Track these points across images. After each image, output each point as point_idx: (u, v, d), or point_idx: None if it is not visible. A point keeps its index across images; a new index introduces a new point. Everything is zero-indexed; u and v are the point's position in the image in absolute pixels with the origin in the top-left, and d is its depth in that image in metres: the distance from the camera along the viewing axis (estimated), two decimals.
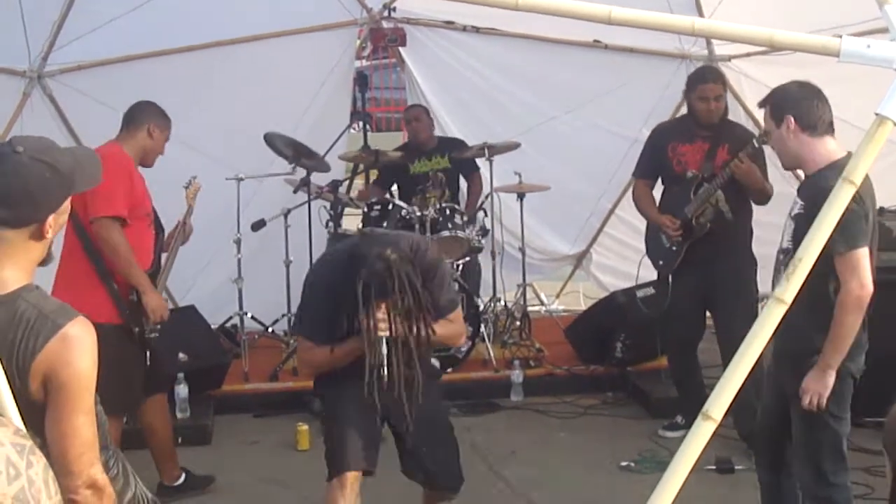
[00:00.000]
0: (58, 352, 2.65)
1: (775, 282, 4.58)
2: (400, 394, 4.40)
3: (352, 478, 4.55)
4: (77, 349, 2.68)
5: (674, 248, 6.62)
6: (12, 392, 2.58)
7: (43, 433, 2.65)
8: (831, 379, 4.30)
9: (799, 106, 4.44)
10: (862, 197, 4.14)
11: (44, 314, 2.70)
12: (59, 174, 2.73)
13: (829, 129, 4.44)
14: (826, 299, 4.28)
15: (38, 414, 2.67)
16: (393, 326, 4.32)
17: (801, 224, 4.39)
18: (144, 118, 5.78)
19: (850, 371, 4.45)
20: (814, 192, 4.26)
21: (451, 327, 4.65)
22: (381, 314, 4.30)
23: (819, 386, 4.32)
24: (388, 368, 4.35)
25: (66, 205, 2.81)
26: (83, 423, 2.69)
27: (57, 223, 2.78)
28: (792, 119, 4.43)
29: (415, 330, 4.35)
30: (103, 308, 5.31)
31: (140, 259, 5.49)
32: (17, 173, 2.69)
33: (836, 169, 4.22)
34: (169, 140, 5.97)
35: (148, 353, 5.59)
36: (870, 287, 4.24)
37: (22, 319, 2.69)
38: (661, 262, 6.82)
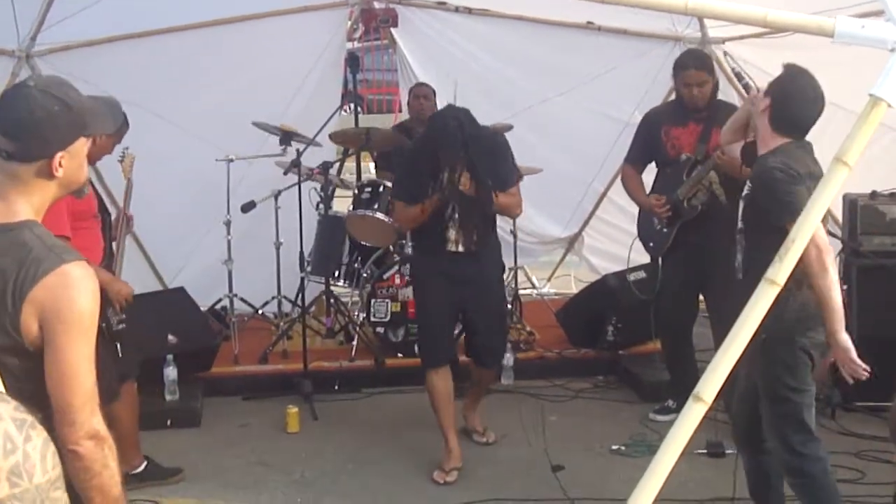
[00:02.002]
0: (58, 286, 2.59)
1: (735, 260, 4.83)
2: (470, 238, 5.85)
3: (444, 369, 5.99)
4: (79, 287, 2.61)
5: (664, 230, 6.60)
6: (4, 338, 2.54)
7: (35, 397, 2.59)
8: (846, 342, 4.38)
9: (782, 98, 4.62)
10: (798, 170, 4.42)
11: (48, 246, 2.65)
12: (69, 110, 2.68)
13: (798, 131, 4.64)
14: None
15: (31, 367, 2.61)
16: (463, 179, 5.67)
17: (747, 204, 4.72)
18: None
19: (802, 345, 4.51)
20: (755, 174, 4.65)
21: (510, 198, 5.99)
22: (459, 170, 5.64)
23: (841, 356, 4.40)
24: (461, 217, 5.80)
25: (80, 147, 2.74)
26: (86, 370, 2.62)
27: (71, 165, 2.71)
28: (769, 101, 4.61)
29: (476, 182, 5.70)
30: None
31: (93, 255, 5.31)
32: (25, 106, 2.66)
33: (782, 155, 4.52)
34: (120, 142, 5.72)
35: (118, 345, 5.49)
36: (827, 245, 4.40)
37: (25, 247, 2.63)
38: (651, 245, 6.80)
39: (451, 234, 5.88)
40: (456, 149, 5.61)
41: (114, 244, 5.72)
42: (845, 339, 4.37)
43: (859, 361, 4.38)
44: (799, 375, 4.54)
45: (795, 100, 4.60)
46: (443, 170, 5.68)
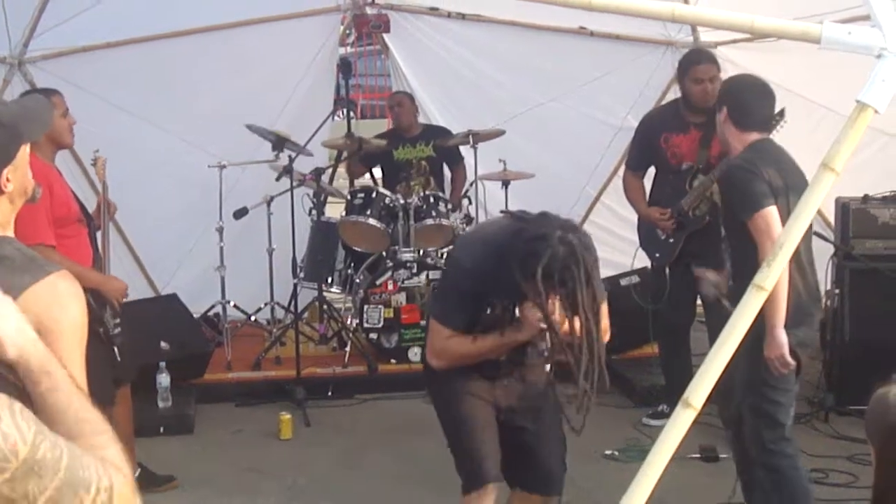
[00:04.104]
0: (47, 296, 2.56)
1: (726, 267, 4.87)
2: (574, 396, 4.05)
3: (492, 489, 4.24)
4: (68, 297, 2.58)
5: (670, 240, 6.58)
6: None
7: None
8: (783, 337, 4.46)
9: (735, 100, 4.72)
10: (756, 164, 4.50)
11: (30, 258, 2.63)
12: (2, 127, 2.67)
13: (761, 126, 4.70)
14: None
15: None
16: (561, 319, 3.84)
17: (723, 207, 4.86)
18: None
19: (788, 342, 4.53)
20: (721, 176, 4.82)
21: (604, 321, 4.06)
22: (550, 305, 3.83)
23: (774, 350, 4.47)
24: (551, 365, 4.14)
25: (23, 157, 2.73)
26: (80, 379, 2.62)
27: (17, 176, 2.70)
28: (725, 110, 4.71)
29: (589, 325, 3.81)
30: None
31: (82, 262, 5.25)
32: None
33: (745, 152, 4.63)
34: (68, 113, 5.36)
35: (115, 350, 5.45)
36: None
37: (7, 259, 2.61)
38: (657, 255, 6.76)
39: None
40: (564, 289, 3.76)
41: (98, 236, 5.65)
42: (781, 335, 4.44)
43: (790, 360, 4.46)
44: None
45: (746, 94, 4.74)
46: (534, 302, 3.90)
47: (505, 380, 4.30)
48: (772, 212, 4.44)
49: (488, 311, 4.11)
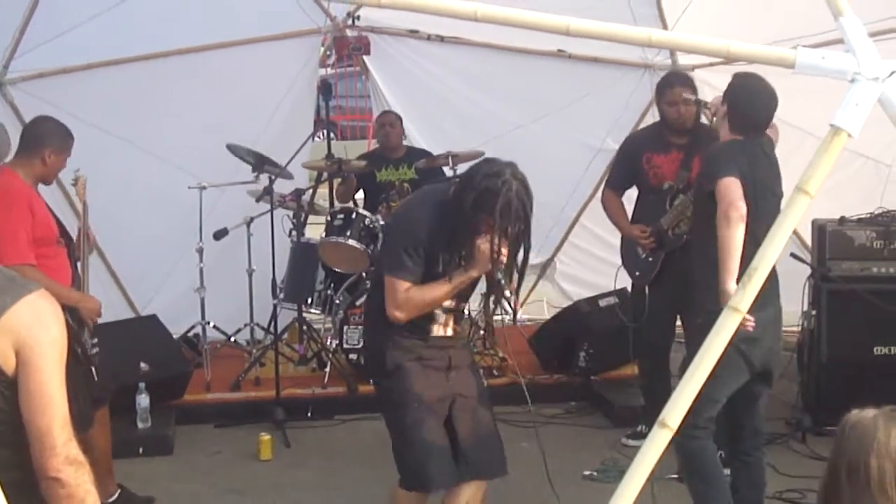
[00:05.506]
0: (28, 315, 2.60)
1: None
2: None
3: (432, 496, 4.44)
4: (49, 315, 2.63)
5: (650, 259, 6.61)
6: None
7: (15, 431, 2.60)
8: (730, 293, 4.62)
9: (737, 101, 4.93)
10: (734, 151, 4.84)
11: (9, 277, 2.67)
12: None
13: (753, 130, 4.91)
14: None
15: (11, 398, 2.61)
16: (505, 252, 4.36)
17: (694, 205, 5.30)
18: (41, 143, 5.28)
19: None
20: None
21: None
22: (496, 238, 4.25)
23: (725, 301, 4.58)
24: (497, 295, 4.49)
25: None
26: (61, 396, 2.62)
27: None
28: (726, 107, 4.94)
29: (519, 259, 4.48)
30: None
31: (62, 282, 5.26)
32: None
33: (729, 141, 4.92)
34: (69, 158, 5.50)
35: (93, 369, 5.43)
36: (739, 208, 4.61)
37: None
38: (637, 274, 6.78)
39: (440, 315, 4.51)
40: (518, 222, 4.33)
41: (78, 264, 5.65)
42: (730, 290, 4.51)
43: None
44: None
45: (749, 100, 4.90)
46: (489, 237, 4.27)
47: (454, 371, 4.53)
48: (733, 182, 4.65)
49: (439, 268, 4.33)
